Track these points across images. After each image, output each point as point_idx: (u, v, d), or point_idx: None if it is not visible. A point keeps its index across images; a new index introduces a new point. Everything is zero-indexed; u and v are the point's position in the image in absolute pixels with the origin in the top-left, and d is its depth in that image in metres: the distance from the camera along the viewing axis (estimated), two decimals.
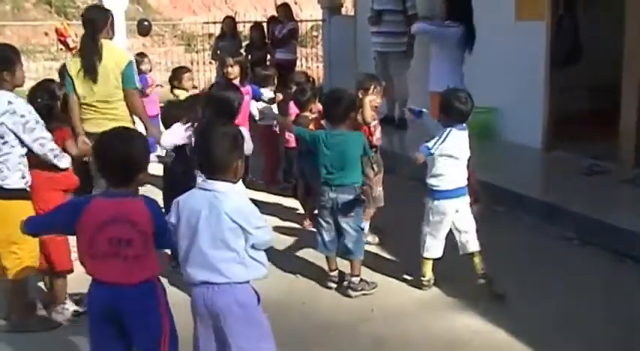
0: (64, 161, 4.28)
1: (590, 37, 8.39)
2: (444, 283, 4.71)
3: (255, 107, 6.64)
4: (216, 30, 12.73)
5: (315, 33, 18.05)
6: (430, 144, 4.45)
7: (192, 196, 3.08)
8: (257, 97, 6.75)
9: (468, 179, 4.66)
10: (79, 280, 4.29)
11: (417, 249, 4.74)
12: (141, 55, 8.93)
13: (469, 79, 6.53)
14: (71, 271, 4.38)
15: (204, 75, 13.79)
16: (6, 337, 4.16)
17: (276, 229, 5.86)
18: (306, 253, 5.37)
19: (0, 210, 4.05)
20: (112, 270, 2.92)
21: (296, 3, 15.53)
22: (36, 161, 4.17)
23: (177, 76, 7.64)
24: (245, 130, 4.18)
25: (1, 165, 4.03)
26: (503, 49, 7.84)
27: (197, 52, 16.50)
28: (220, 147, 3.02)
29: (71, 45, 6.39)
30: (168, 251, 4.29)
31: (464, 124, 4.57)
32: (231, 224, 2.95)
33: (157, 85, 8.95)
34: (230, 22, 11.74)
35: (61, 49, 11.95)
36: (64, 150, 4.33)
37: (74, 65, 5.19)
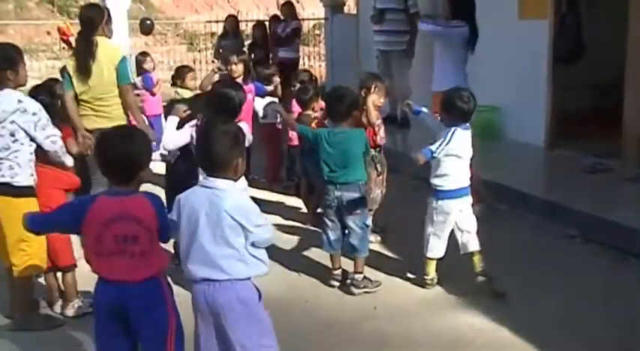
0: (69, 159, 4.35)
1: (593, 35, 8.38)
2: (447, 281, 4.71)
3: (259, 105, 6.64)
4: (219, 29, 12.75)
5: (317, 31, 18.03)
6: (434, 147, 4.44)
7: (193, 193, 3.09)
8: (261, 94, 6.75)
9: (471, 179, 4.65)
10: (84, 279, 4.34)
11: (420, 248, 4.74)
12: (143, 55, 8.94)
13: (471, 78, 6.52)
14: (74, 266, 4.41)
15: (206, 74, 13.76)
16: (9, 335, 4.17)
17: (279, 227, 5.86)
18: (309, 251, 5.37)
19: (9, 207, 4.08)
20: (118, 267, 2.93)
21: (298, 1, 15.53)
22: (42, 159, 4.20)
23: (180, 75, 7.65)
24: (245, 125, 4.18)
25: (12, 162, 4.06)
26: (505, 48, 7.83)
27: (199, 51, 16.52)
28: (221, 145, 3.03)
29: (74, 44, 6.42)
30: (172, 250, 4.29)
31: (467, 124, 4.56)
32: (231, 222, 2.97)
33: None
34: (232, 21, 11.74)
35: (64, 48, 11.97)
36: (65, 148, 4.36)
37: (71, 63, 5.31)
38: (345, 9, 14.01)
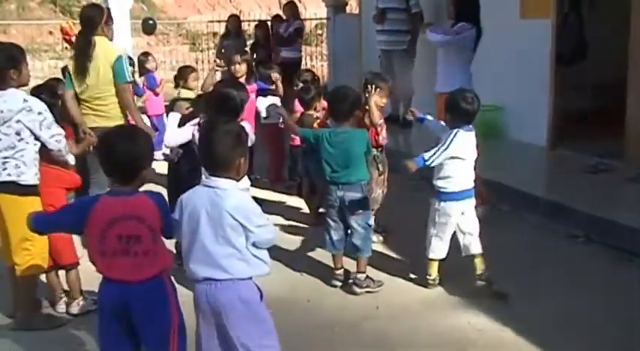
0: (71, 158, 4.38)
1: (595, 36, 8.38)
2: (449, 282, 4.71)
3: (262, 105, 6.64)
4: (221, 29, 12.76)
5: (319, 31, 18.04)
6: (428, 155, 4.44)
7: (195, 193, 3.10)
8: (265, 93, 6.75)
9: (474, 180, 4.64)
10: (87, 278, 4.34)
11: (422, 248, 4.73)
12: (145, 55, 8.95)
13: (474, 78, 6.52)
14: (77, 264, 4.42)
15: (208, 74, 13.75)
16: (11, 335, 4.17)
17: (281, 227, 5.87)
18: (311, 251, 5.37)
19: (15, 206, 4.09)
20: (122, 267, 2.94)
21: (300, 1, 15.53)
22: (46, 158, 4.22)
23: (182, 75, 7.65)
24: (247, 125, 4.18)
25: (18, 161, 4.07)
26: (508, 48, 7.83)
27: (202, 50, 16.51)
28: (223, 144, 3.04)
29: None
30: (174, 250, 4.29)
31: (470, 125, 4.55)
32: (232, 221, 2.97)
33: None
34: (234, 21, 11.75)
35: (66, 48, 11.99)
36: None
37: (72, 63, 5.38)
38: (348, 9, 14.01)
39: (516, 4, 7.93)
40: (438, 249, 4.65)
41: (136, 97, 8.18)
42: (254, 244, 3.04)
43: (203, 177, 3.21)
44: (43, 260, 4.22)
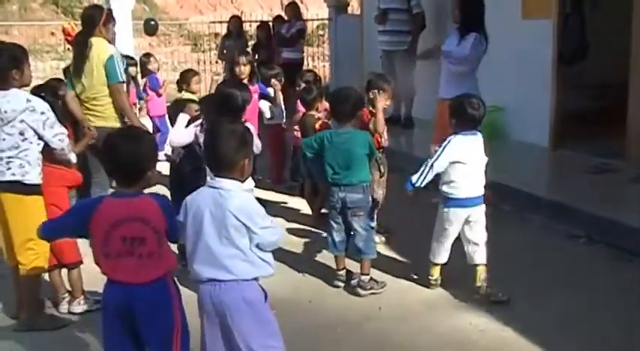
0: (73, 156, 4.41)
1: (597, 36, 8.38)
2: (451, 282, 4.70)
3: (265, 105, 6.64)
4: (223, 29, 12.76)
5: (321, 32, 18.05)
6: (414, 177, 4.47)
7: (199, 194, 3.09)
8: (266, 96, 6.76)
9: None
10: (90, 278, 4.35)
11: (423, 248, 4.74)
12: (146, 56, 8.96)
13: None
14: (80, 262, 4.44)
15: (210, 75, 13.79)
16: (15, 335, 4.18)
17: (283, 227, 5.87)
18: (313, 252, 5.38)
19: (19, 205, 4.12)
20: (126, 269, 2.93)
21: (302, 2, 15.53)
22: (48, 158, 4.23)
23: (185, 79, 7.66)
24: (251, 126, 4.18)
25: (22, 160, 4.08)
26: (509, 48, 7.83)
27: (203, 51, 16.51)
28: (227, 145, 3.03)
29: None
30: (177, 251, 4.29)
31: (474, 130, 4.50)
32: (236, 222, 2.96)
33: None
34: (236, 22, 11.75)
35: (68, 49, 11.98)
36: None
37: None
38: (349, 9, 14.01)
39: (518, 4, 7.93)
40: (438, 254, 4.65)
41: (139, 100, 8.23)
42: (258, 246, 3.03)
43: (208, 178, 3.20)
44: (46, 260, 4.24)
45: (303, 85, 6.77)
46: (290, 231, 5.87)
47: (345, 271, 4.82)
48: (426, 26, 9.07)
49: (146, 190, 3.07)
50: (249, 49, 10.75)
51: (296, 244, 5.58)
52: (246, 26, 12.78)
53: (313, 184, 6.10)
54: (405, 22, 8.95)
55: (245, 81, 6.23)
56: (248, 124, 4.08)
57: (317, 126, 5.88)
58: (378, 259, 4.93)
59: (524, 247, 5.43)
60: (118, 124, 5.44)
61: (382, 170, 5.35)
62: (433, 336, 4.12)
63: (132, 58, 8.46)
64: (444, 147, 4.47)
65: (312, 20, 16.22)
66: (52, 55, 18.40)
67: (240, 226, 2.97)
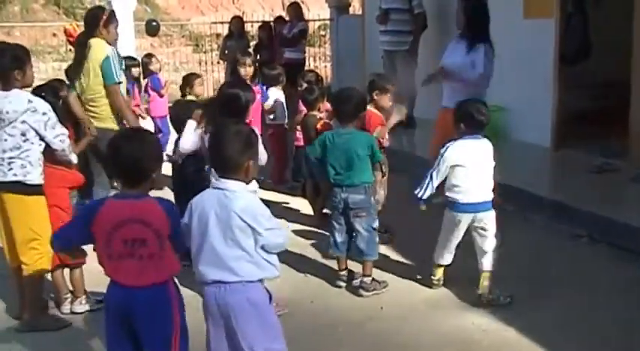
0: (74, 157, 4.41)
1: (599, 35, 8.37)
2: (454, 282, 4.70)
3: (268, 106, 6.65)
4: (224, 30, 12.76)
5: (322, 32, 18.05)
6: (418, 191, 4.52)
7: (204, 195, 3.09)
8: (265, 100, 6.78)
9: None
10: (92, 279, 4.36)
11: (424, 248, 4.73)
12: (148, 56, 8.96)
13: None
14: (82, 262, 4.44)
15: (212, 75, 13.81)
16: (16, 336, 4.19)
17: (285, 227, 5.87)
18: (315, 252, 5.38)
19: (21, 205, 4.13)
20: (127, 271, 2.93)
21: (303, 2, 15.50)
22: (49, 159, 4.24)
23: (188, 82, 7.66)
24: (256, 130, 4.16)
25: (24, 161, 4.09)
26: (511, 47, 7.81)
27: (205, 52, 16.52)
28: (232, 146, 3.02)
29: None
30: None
31: (477, 134, 4.48)
32: (241, 223, 2.95)
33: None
34: (238, 22, 11.76)
35: (70, 50, 11.99)
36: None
37: None
38: (351, 10, 14.01)
39: (520, 3, 7.92)
40: (440, 256, 4.65)
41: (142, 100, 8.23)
42: (263, 248, 3.02)
43: (213, 179, 3.19)
44: (50, 259, 4.25)
45: (304, 85, 6.77)
46: (292, 231, 5.87)
47: (346, 271, 4.82)
48: (428, 26, 9.06)
49: (154, 194, 3.05)
50: (250, 50, 10.77)
51: (298, 245, 5.57)
52: (247, 27, 12.78)
53: (315, 184, 6.10)
54: (407, 22, 8.94)
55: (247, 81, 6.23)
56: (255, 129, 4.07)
57: (318, 126, 5.89)
58: (379, 259, 4.92)
59: (527, 246, 5.42)
60: (115, 126, 5.46)
61: (384, 170, 5.36)
62: (435, 336, 4.12)
63: (134, 59, 8.47)
64: (442, 155, 4.47)
65: (314, 21, 16.22)
66: (53, 56, 18.40)
67: (245, 226, 2.96)
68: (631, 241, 5.18)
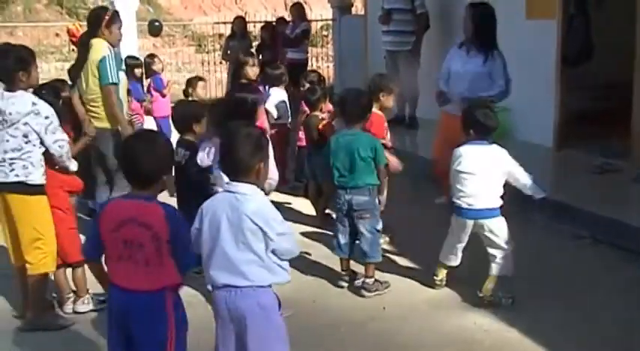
0: (74, 164, 4.39)
1: (601, 36, 8.37)
2: (456, 282, 4.71)
3: (271, 105, 6.66)
4: (227, 30, 12.79)
5: (325, 32, 18.05)
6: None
7: (215, 199, 3.08)
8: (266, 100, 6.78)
9: None
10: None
11: (426, 248, 4.75)
12: (150, 57, 8.98)
13: None
14: (84, 262, 4.45)
15: (214, 75, 13.83)
16: (19, 335, 4.20)
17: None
18: (317, 252, 5.38)
19: (24, 205, 4.15)
20: (125, 273, 2.91)
21: (306, 2, 15.52)
22: (48, 161, 4.25)
23: (191, 84, 7.69)
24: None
25: (25, 162, 4.10)
26: (513, 48, 7.79)
27: (207, 52, 16.55)
28: (243, 148, 3.00)
29: None
30: None
31: (484, 140, 4.47)
32: (252, 226, 2.92)
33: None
34: (240, 23, 11.77)
35: (73, 50, 12.02)
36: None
37: None
38: (353, 10, 14.02)
39: (522, 4, 7.93)
40: (446, 257, 4.65)
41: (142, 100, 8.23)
42: (274, 253, 2.99)
43: (220, 180, 3.17)
44: (54, 259, 4.27)
45: (307, 85, 6.78)
46: (294, 231, 5.87)
47: (349, 271, 4.83)
48: (430, 26, 9.07)
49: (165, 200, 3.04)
50: (253, 50, 10.79)
51: (300, 245, 5.55)
52: (250, 27, 12.82)
53: (317, 184, 6.11)
54: (409, 23, 8.95)
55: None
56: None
57: (320, 127, 5.91)
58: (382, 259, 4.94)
59: (529, 247, 5.41)
60: (114, 126, 5.48)
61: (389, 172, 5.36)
62: (437, 335, 4.13)
63: (137, 59, 8.49)
64: (454, 158, 4.49)
65: (316, 21, 16.23)
66: (56, 56, 18.42)
67: (256, 230, 2.93)
68: (632, 242, 5.18)
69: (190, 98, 7.40)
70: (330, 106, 6.40)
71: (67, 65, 10.58)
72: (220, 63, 13.64)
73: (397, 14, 8.96)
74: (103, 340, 3.56)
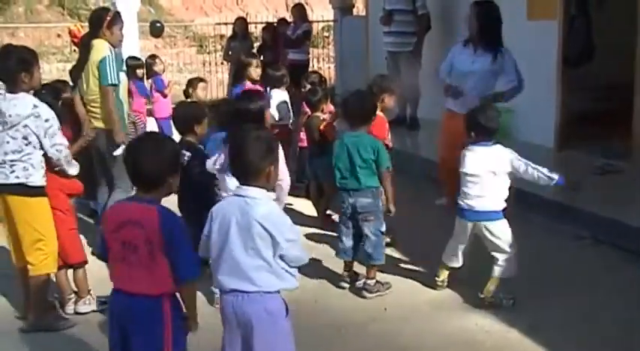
0: (74, 169, 4.38)
1: (602, 37, 8.37)
2: (456, 283, 4.72)
3: (273, 107, 6.66)
4: (228, 31, 12.80)
5: (326, 33, 18.06)
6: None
7: (225, 202, 3.06)
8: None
9: None
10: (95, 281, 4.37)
11: (427, 248, 4.75)
12: (152, 58, 8.99)
13: None
14: (85, 262, 4.47)
15: (216, 76, 13.85)
16: (20, 336, 4.21)
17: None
18: (319, 253, 5.38)
19: (25, 207, 4.15)
20: (123, 275, 2.91)
21: (307, 3, 15.54)
22: (49, 164, 4.25)
23: (192, 85, 7.70)
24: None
25: (26, 164, 4.11)
26: (514, 49, 7.79)
27: (209, 53, 16.56)
28: (253, 151, 2.96)
29: None
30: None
31: (487, 142, 4.47)
32: (261, 231, 2.89)
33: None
34: (241, 23, 11.78)
35: (74, 51, 12.04)
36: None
37: None
38: (354, 11, 14.02)
39: (523, 5, 7.93)
40: (448, 257, 4.66)
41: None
42: (283, 259, 2.96)
43: (227, 183, 3.15)
44: (55, 260, 4.28)
45: (308, 86, 6.78)
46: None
47: (351, 272, 4.83)
48: (432, 27, 9.07)
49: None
50: (254, 51, 10.80)
51: (302, 245, 5.58)
52: (251, 28, 12.81)
53: (319, 185, 6.11)
54: (411, 24, 8.95)
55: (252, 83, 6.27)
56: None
57: (321, 127, 5.91)
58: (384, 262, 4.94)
59: (529, 247, 5.40)
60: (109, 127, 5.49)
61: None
62: (439, 336, 4.13)
63: (138, 59, 8.50)
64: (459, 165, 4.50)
65: (318, 22, 16.24)
66: (58, 57, 18.45)
67: (265, 235, 2.90)
68: (633, 242, 5.19)
69: (190, 99, 7.41)
70: (331, 107, 6.41)
71: (69, 66, 10.60)
72: (222, 64, 13.65)
73: (398, 15, 8.96)
74: (104, 341, 3.55)
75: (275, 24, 12.19)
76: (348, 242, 4.73)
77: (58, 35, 19.88)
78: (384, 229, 4.76)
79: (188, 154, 4.96)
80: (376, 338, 4.13)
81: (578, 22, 8.26)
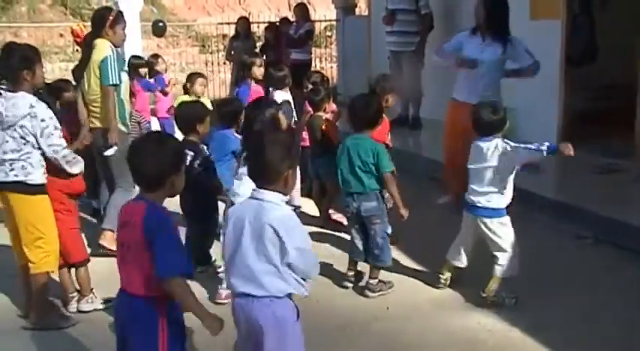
0: (76, 167, 4.36)
1: (605, 37, 8.36)
2: (459, 282, 4.72)
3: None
4: (230, 31, 12.81)
5: (329, 33, 18.08)
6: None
7: (242, 204, 3.04)
8: None
9: None
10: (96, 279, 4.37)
11: (430, 248, 4.75)
12: (154, 57, 9.00)
13: None
14: (87, 261, 4.47)
15: (218, 76, 13.86)
16: (22, 334, 4.21)
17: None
18: (321, 252, 5.37)
19: (25, 205, 4.15)
20: (122, 275, 2.92)
21: (310, 3, 15.55)
22: (50, 164, 4.24)
23: (190, 80, 7.71)
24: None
25: (25, 162, 4.11)
26: None
27: (211, 52, 16.57)
28: (272, 152, 2.90)
29: None
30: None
31: (489, 136, 4.45)
32: (273, 236, 2.84)
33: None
34: (244, 23, 11.78)
35: (77, 50, 12.05)
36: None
37: None
38: (357, 10, 14.02)
39: (526, 4, 7.92)
40: (452, 255, 4.66)
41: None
42: (290, 267, 2.90)
43: (233, 189, 3.13)
44: (56, 258, 4.28)
45: (310, 86, 6.78)
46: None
47: (354, 272, 4.83)
48: (434, 27, 9.07)
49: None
50: (256, 51, 10.80)
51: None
52: (253, 27, 12.81)
53: (321, 184, 6.11)
54: (413, 23, 8.96)
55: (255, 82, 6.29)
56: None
57: (324, 127, 5.91)
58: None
59: (531, 247, 5.41)
60: (120, 126, 5.50)
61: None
62: (441, 335, 4.13)
63: (141, 59, 8.50)
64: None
65: (320, 21, 16.26)
66: (60, 57, 18.48)
67: (276, 240, 2.85)
68: (634, 242, 5.18)
69: (189, 95, 7.43)
70: (333, 107, 6.41)
71: (71, 65, 10.61)
72: (224, 63, 13.66)
73: (401, 15, 8.96)
74: (106, 339, 3.57)
75: (277, 23, 12.19)
76: (359, 244, 4.74)
77: (61, 35, 19.90)
78: (389, 231, 4.75)
79: (191, 153, 4.98)
80: (379, 337, 4.13)
81: (581, 21, 8.25)
